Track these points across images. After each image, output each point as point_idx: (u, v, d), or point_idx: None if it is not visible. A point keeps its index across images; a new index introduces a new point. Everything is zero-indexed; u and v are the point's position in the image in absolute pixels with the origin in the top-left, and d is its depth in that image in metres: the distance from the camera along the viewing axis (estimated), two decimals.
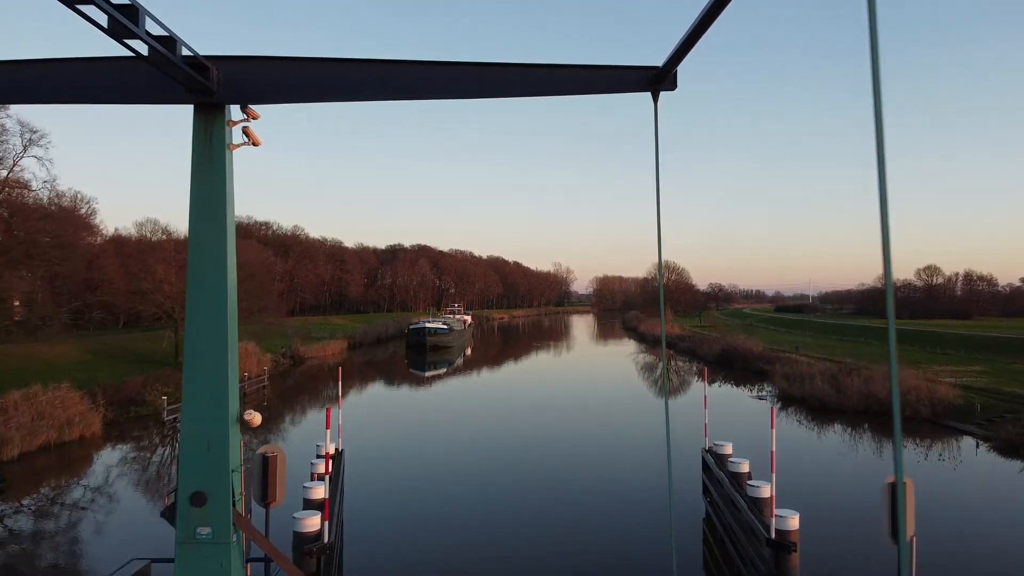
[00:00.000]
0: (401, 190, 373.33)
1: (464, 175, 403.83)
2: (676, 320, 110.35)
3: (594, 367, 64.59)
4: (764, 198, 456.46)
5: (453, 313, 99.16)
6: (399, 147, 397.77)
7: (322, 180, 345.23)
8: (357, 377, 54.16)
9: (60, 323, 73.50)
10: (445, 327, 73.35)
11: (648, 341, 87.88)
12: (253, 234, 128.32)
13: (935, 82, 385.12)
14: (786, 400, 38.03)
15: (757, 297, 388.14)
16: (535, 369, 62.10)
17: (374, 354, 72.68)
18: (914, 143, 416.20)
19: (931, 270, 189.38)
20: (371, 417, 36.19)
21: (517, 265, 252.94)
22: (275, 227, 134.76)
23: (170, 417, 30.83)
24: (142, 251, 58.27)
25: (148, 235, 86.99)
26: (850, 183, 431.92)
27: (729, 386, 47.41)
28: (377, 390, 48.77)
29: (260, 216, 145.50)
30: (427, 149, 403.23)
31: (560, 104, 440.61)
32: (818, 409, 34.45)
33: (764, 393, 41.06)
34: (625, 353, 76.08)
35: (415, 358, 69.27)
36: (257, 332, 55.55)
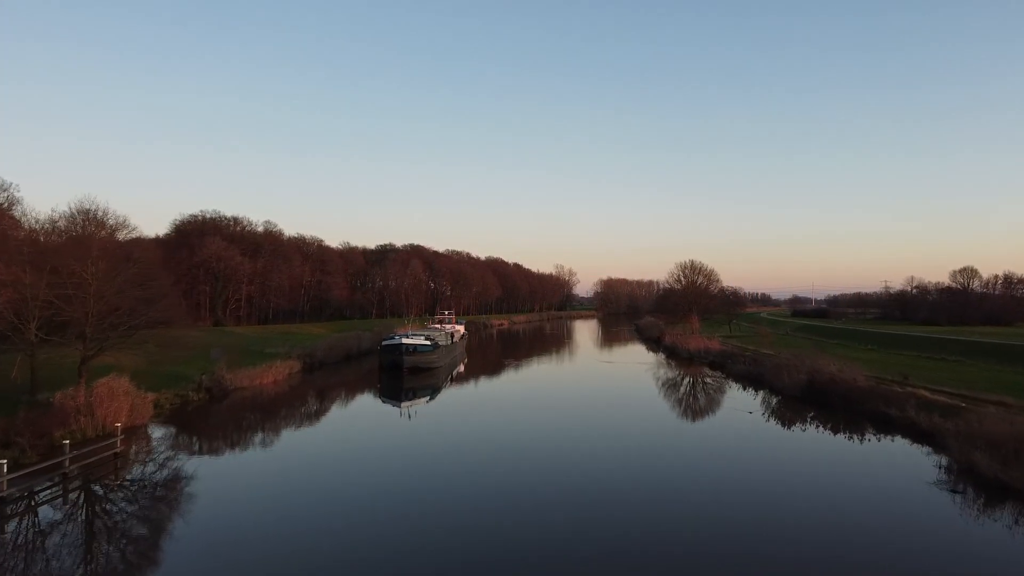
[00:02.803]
0: (395, 190, 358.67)
1: (461, 175, 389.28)
2: (703, 329, 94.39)
3: (633, 397, 48.61)
4: (764, 199, 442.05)
5: (442, 322, 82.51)
6: (394, 146, 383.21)
7: (311, 178, 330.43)
8: (297, 419, 38.18)
9: None
10: (428, 343, 57.42)
11: (680, 357, 71.75)
12: (220, 230, 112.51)
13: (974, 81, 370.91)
14: (995, 491, 22.19)
15: (763, 300, 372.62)
16: (553, 402, 46.07)
17: (338, 378, 56.63)
18: (948, 141, 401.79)
19: (968, 272, 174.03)
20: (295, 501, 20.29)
21: (517, 267, 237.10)
22: (245, 223, 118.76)
23: None
24: None
25: (79, 228, 71.67)
26: (850, 184, 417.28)
27: (847, 441, 31.53)
28: (319, 439, 32.65)
29: (233, 212, 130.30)
30: (424, 148, 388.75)
31: (559, 104, 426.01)
32: None
33: (947, 478, 24.87)
34: (657, 371, 60.31)
35: (389, 383, 53.33)
36: (156, 354, 39.47)
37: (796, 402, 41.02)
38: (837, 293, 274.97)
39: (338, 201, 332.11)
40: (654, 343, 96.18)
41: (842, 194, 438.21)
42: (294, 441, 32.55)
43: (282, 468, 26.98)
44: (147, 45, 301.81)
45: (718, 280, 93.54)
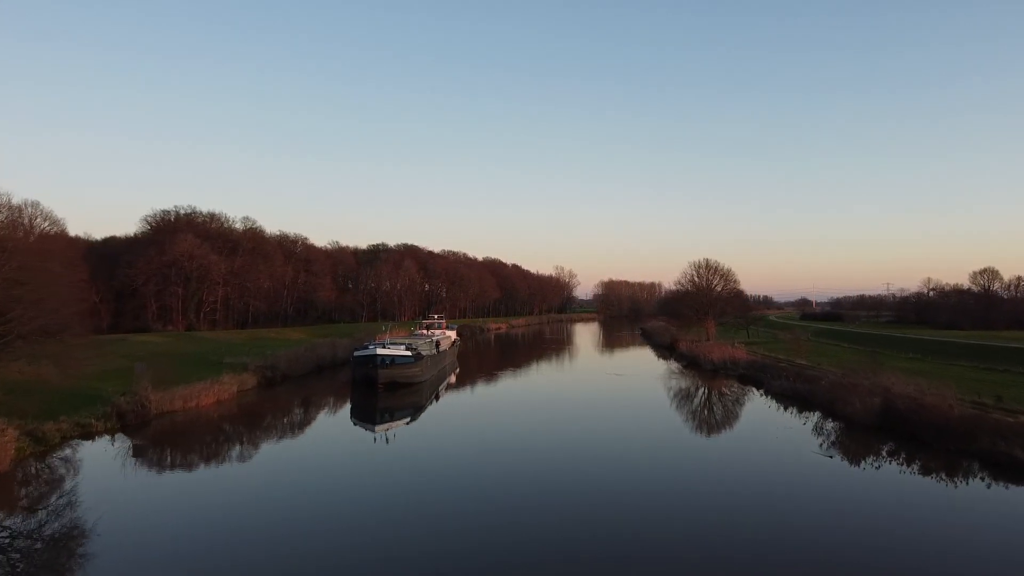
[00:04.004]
0: (390, 191, 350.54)
1: (457, 176, 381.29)
2: (719, 335, 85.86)
3: (656, 420, 40.04)
4: (765, 200, 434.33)
5: (429, 328, 73.12)
6: (390, 146, 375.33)
7: (305, 179, 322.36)
8: (236, 453, 29.50)
9: None
10: (408, 354, 48.30)
11: (702, 368, 62.88)
12: (195, 227, 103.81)
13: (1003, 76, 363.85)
14: None
15: (765, 303, 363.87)
16: (558, 427, 37.38)
17: (302, 395, 47.97)
18: (950, 142, 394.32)
19: (989, 274, 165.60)
20: None
21: (516, 268, 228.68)
22: (223, 219, 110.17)
23: None
24: None
25: None
26: (850, 186, 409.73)
27: (952, 489, 23.07)
28: (262, 478, 23.97)
29: (217, 210, 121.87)
30: (420, 148, 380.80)
31: (557, 104, 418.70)
32: None
33: None
34: (679, 386, 51.69)
35: (361, 402, 44.86)
36: (74, 365, 30.73)
37: (865, 432, 32.52)
38: (839, 295, 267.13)
39: (333, 202, 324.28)
40: (666, 350, 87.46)
41: (842, 196, 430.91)
42: (227, 485, 24.33)
43: (205, 524, 18.83)
44: (144, 44, 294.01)
45: (735, 281, 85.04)
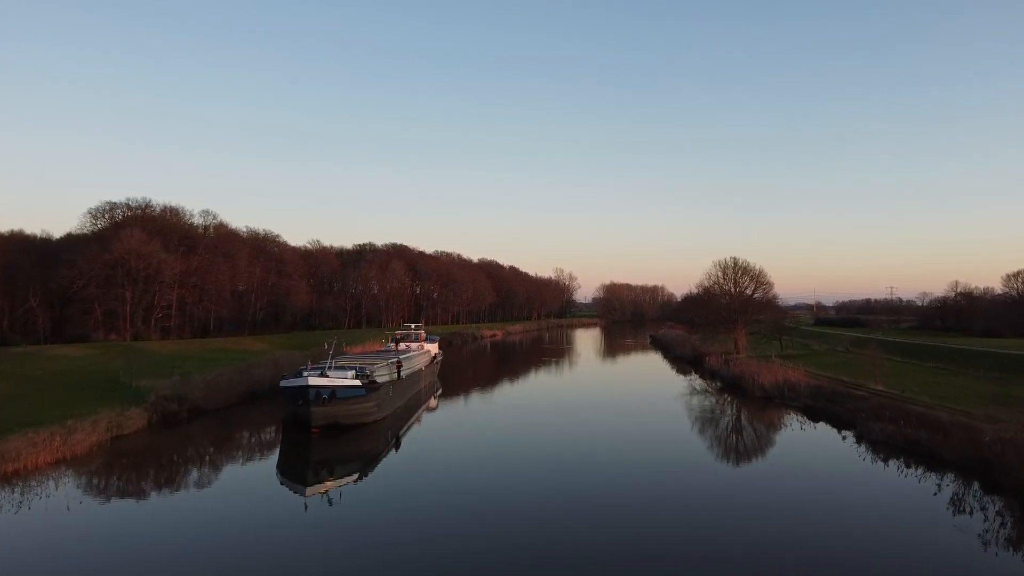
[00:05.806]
0: (385, 193, 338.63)
1: (454, 177, 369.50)
2: (751, 347, 73.34)
3: (712, 492, 27.47)
4: (764, 203, 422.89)
5: (403, 340, 58.62)
6: (385, 148, 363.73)
7: (300, 181, 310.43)
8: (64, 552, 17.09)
9: None
10: (356, 383, 34.46)
11: (748, 393, 49.78)
12: (146, 222, 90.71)
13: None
14: None
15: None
16: (569, 489, 24.83)
17: (213, 439, 35.08)
18: (977, 139, 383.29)
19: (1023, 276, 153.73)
20: None
21: (514, 270, 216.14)
22: (180, 212, 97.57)
23: None
24: None
25: None
26: (849, 187, 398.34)
27: None
28: None
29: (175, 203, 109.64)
30: (413, 148, 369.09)
31: (554, 105, 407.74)
32: None
33: None
34: (722, 421, 39.03)
35: (291, 451, 32.30)
36: None
37: None
38: (844, 299, 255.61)
39: (327, 203, 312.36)
40: (688, 364, 74.54)
41: (843, 198, 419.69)
42: None
43: None
44: (148, 46, 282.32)
45: (768, 283, 72.44)
